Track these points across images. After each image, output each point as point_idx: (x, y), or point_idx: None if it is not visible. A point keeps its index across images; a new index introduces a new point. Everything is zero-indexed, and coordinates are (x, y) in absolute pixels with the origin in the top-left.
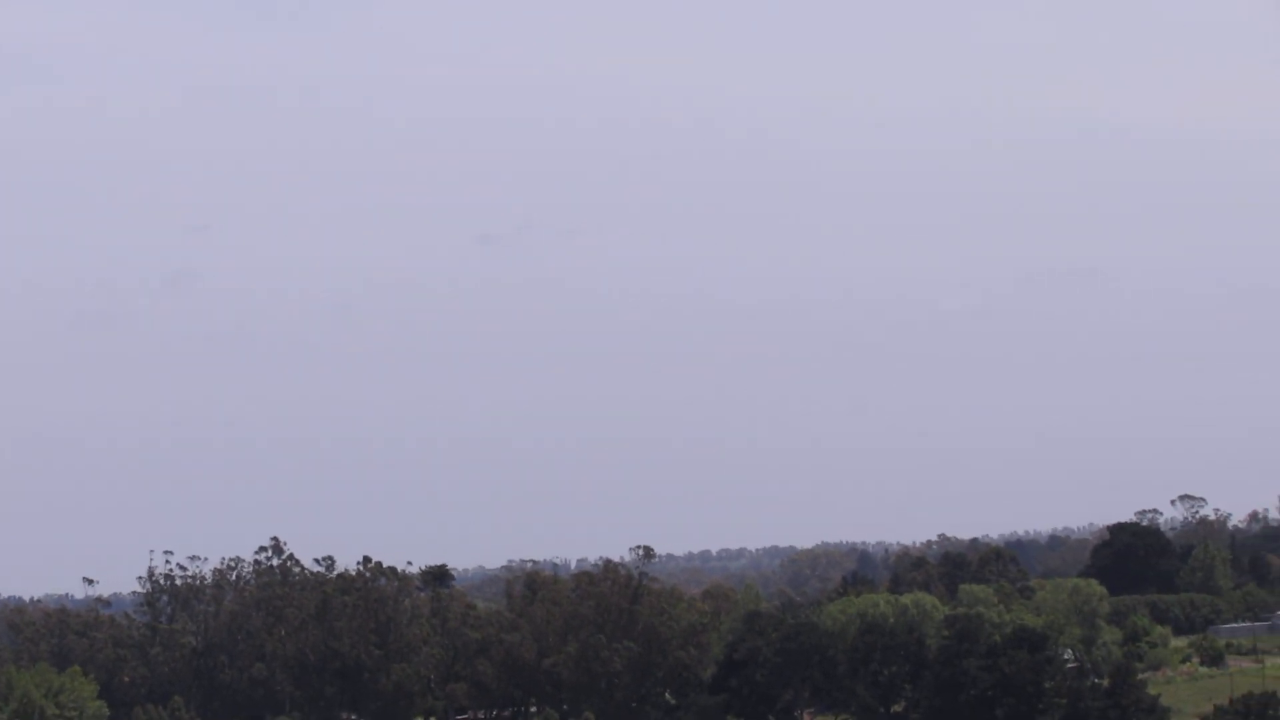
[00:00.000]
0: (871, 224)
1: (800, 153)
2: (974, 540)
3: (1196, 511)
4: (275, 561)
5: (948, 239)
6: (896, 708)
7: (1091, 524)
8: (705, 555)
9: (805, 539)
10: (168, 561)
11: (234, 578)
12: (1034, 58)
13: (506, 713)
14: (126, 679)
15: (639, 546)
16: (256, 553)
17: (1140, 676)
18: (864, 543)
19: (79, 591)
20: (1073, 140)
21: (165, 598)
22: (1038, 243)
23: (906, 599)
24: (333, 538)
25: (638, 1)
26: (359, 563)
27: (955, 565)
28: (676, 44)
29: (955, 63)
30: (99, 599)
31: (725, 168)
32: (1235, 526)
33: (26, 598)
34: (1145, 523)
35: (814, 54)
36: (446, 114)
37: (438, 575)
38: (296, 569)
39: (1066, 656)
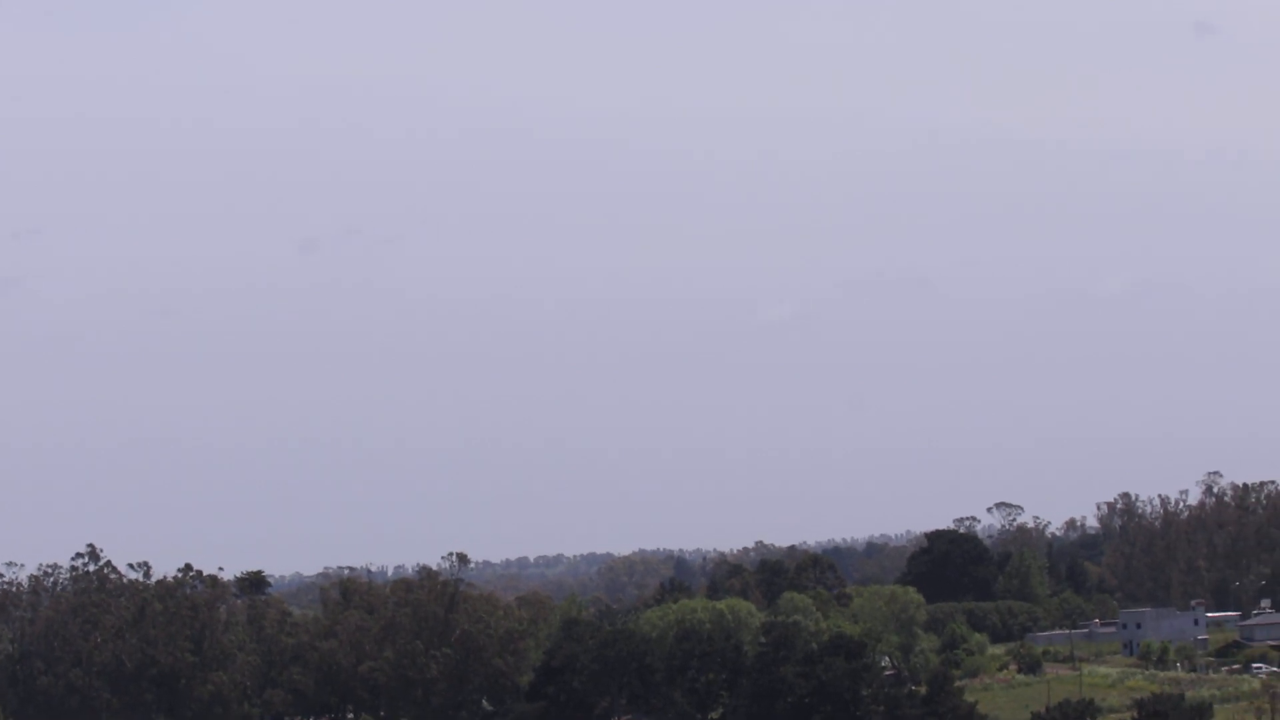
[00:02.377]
0: (698, 232)
1: (622, 158)
2: (791, 547)
3: (1014, 519)
4: (92, 568)
5: (770, 247)
6: (714, 715)
7: (909, 531)
8: (523, 562)
9: (622, 546)
10: None
11: (51, 584)
12: (855, 63)
13: (324, 719)
14: None
15: (453, 553)
16: (73, 559)
17: (958, 684)
18: (681, 549)
19: None
20: (906, 150)
21: None
22: (861, 250)
23: (723, 605)
24: (149, 542)
25: (460, 10)
26: (178, 570)
27: (773, 572)
28: (497, 52)
29: (779, 69)
30: None
31: (547, 174)
32: (1053, 534)
33: None
34: (963, 530)
35: (640, 56)
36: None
37: (254, 582)
38: (113, 575)
39: (884, 664)
